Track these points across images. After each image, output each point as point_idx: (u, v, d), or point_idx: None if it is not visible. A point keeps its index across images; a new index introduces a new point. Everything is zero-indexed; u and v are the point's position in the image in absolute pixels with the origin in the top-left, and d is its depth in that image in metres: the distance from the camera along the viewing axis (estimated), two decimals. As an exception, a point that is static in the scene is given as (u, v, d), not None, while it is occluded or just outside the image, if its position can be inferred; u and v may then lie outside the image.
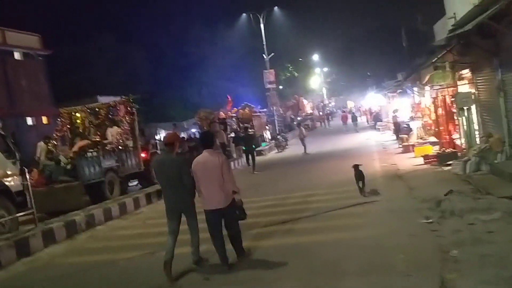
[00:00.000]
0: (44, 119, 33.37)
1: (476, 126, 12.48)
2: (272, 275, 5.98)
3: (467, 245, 5.80)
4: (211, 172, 6.32)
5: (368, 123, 39.86)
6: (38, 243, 9.29)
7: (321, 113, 56.21)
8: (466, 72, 13.00)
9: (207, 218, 6.47)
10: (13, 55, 32.90)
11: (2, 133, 11.71)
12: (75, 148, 14.30)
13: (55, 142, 15.45)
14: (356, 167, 10.71)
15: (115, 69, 43.19)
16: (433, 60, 13.16)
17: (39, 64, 34.92)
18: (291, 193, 11.99)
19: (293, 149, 26.89)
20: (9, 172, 10.68)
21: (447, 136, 15.08)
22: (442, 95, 15.08)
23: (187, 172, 6.44)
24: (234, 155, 23.31)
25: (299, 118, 42.35)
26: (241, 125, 27.33)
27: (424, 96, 18.71)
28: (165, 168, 6.50)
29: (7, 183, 10.33)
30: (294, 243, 7.31)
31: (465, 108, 12.35)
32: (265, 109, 37.04)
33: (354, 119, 37.74)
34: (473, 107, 12.34)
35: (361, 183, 10.51)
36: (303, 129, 25.95)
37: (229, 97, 32.51)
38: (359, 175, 10.61)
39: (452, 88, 13.95)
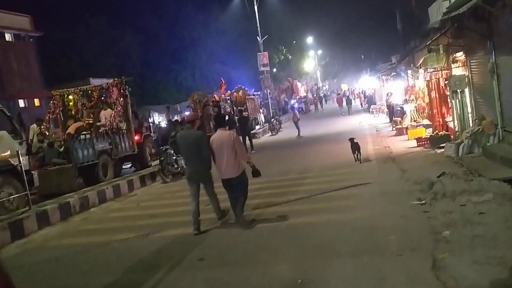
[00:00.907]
0: (36, 102, 33.17)
1: (469, 109, 12.52)
2: (265, 256, 6.03)
3: (458, 226, 5.86)
4: (225, 147, 7.56)
5: (361, 107, 39.87)
6: (32, 225, 9.32)
7: (314, 95, 56.08)
8: (460, 55, 13.00)
9: (223, 184, 7.80)
10: (4, 36, 32.55)
11: (8, 114, 11.81)
12: (70, 130, 14.23)
13: (47, 125, 15.36)
14: (351, 139, 12.95)
15: (108, 52, 42.82)
16: (427, 43, 13.11)
17: (30, 46, 34.60)
18: (284, 176, 12.03)
19: (287, 132, 26.91)
20: (16, 152, 10.83)
21: (440, 119, 15.13)
22: (435, 78, 15.08)
23: (205, 145, 7.64)
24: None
25: (292, 101, 42.25)
26: (234, 108, 27.25)
27: (418, 79, 18.70)
28: (187, 142, 7.77)
29: (14, 163, 10.51)
30: (287, 224, 7.36)
31: (458, 91, 12.37)
32: (259, 92, 36.95)
33: (349, 102, 37.77)
34: (467, 90, 12.36)
35: (357, 152, 12.66)
36: (297, 112, 25.92)
37: (222, 80, 32.35)
38: (355, 146, 12.73)
39: (445, 71, 13.95)
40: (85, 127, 14.67)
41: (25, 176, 10.60)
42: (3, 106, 12.42)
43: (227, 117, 25.11)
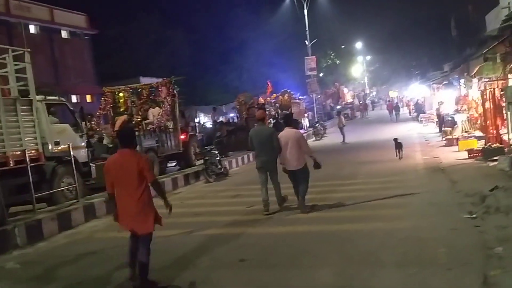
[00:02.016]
0: (88, 98, 34.23)
1: (525, 122, 11.97)
2: (308, 261, 5.94)
3: (512, 243, 5.59)
4: (290, 143, 8.66)
5: (410, 115, 38.97)
6: (79, 217, 9.60)
7: (361, 102, 55.25)
8: (518, 65, 12.45)
9: (288, 175, 8.86)
10: (60, 33, 33.80)
11: (72, 108, 12.35)
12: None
13: (98, 120, 15.80)
14: (395, 139, 14.82)
15: (158, 51, 43.69)
16: (484, 51, 12.64)
17: (85, 43, 35.80)
18: (329, 181, 11.86)
19: (332, 137, 26.61)
20: (77, 145, 11.49)
21: (494, 131, 14.53)
22: (491, 88, 14.51)
23: (276, 140, 8.82)
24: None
25: (338, 107, 41.77)
26: (279, 111, 27.20)
27: (471, 89, 18.08)
28: (261, 136, 8.98)
29: (75, 155, 10.95)
30: (332, 230, 7.24)
31: (515, 102, 11.84)
32: (304, 96, 36.73)
33: (397, 109, 37.97)
34: (524, 102, 11.81)
35: (399, 150, 14.45)
36: (342, 118, 25.60)
37: (269, 82, 32.38)
38: (398, 145, 14.59)
39: (502, 81, 13.39)
40: (129, 119, 14.99)
41: (82, 168, 11.20)
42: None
43: (272, 120, 25.36)
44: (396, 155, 14.37)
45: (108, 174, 5.49)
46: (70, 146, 10.43)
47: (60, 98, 12.70)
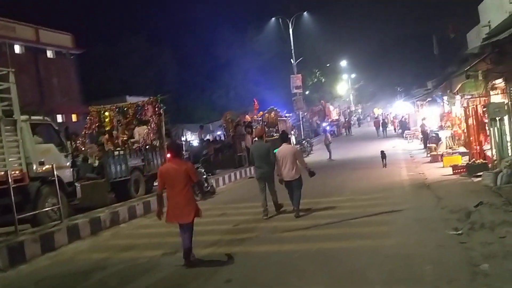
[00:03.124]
0: (74, 117, 33.99)
1: (508, 138, 12.12)
2: (294, 280, 5.89)
3: (498, 259, 5.60)
4: (287, 157, 9.82)
5: (395, 131, 39.34)
6: (63, 238, 9.40)
7: (346, 119, 55.62)
8: (499, 82, 12.66)
9: (285, 185, 9.97)
10: (45, 53, 33.66)
11: (56, 128, 12.21)
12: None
13: (83, 140, 15.67)
14: (382, 152, 17.55)
15: (144, 70, 43.71)
16: (466, 69, 12.84)
17: (70, 62, 35.69)
18: (315, 199, 11.84)
19: (318, 154, 26.69)
20: (62, 165, 11.31)
21: (478, 147, 14.70)
22: (473, 105, 14.73)
23: (272, 154, 10.13)
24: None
25: (324, 124, 42.01)
26: (266, 129, 27.24)
27: (454, 105, 18.33)
28: (259, 151, 10.33)
29: (60, 175, 10.81)
30: (318, 248, 7.20)
31: (497, 118, 12.01)
32: (291, 114, 36.89)
33: (384, 125, 38.94)
34: (506, 118, 11.98)
35: (384, 160, 17.19)
36: (328, 135, 25.72)
37: (255, 100, 32.49)
38: (383, 155, 17.38)
39: (484, 98, 13.61)
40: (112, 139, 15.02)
41: (67, 188, 11.08)
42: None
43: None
44: (383, 165, 17.04)
45: (162, 177, 7.20)
46: (54, 166, 10.31)
47: (45, 117, 12.59)
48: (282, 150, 10.02)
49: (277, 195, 10.40)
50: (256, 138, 11.46)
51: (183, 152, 7.70)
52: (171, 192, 7.15)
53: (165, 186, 7.16)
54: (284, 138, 10.77)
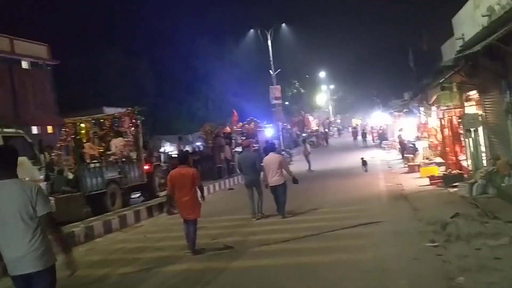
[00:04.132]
0: (49, 129, 33.39)
1: (483, 148, 12.31)
2: (272, 296, 5.82)
3: (473, 272, 5.63)
4: (273, 165, 10.98)
5: (373, 142, 39.72)
6: (35, 254, 9.15)
7: (326, 130, 55.97)
8: (473, 94, 12.88)
9: (270, 190, 11.08)
10: (20, 64, 33.07)
11: (30, 141, 11.91)
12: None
13: (59, 152, 15.38)
14: (362, 159, 19.76)
15: (122, 81, 43.30)
16: (440, 81, 13.03)
17: (46, 73, 35.08)
18: (293, 211, 11.83)
19: (298, 165, 26.66)
20: (35, 178, 11.15)
21: (454, 158, 14.91)
22: (449, 116, 14.95)
23: (259, 162, 11.36)
24: (238, 170, 23.07)
25: (304, 135, 42.14)
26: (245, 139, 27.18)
27: (430, 116, 18.58)
28: (247, 160, 11.61)
29: None
30: (295, 263, 7.15)
31: (472, 129, 12.20)
32: (271, 125, 36.92)
33: (364, 135, 40.74)
34: (480, 129, 12.18)
35: (365, 166, 19.30)
36: (308, 145, 25.77)
37: (234, 111, 32.45)
38: (364, 162, 19.47)
39: (459, 109, 13.82)
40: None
41: None
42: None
43: (238, 149, 25.36)
44: (364, 170, 19.14)
45: (172, 181, 8.41)
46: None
47: (18, 130, 12.34)
48: (269, 159, 11.19)
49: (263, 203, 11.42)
50: (242, 149, 13.31)
51: (189, 160, 9.11)
52: (179, 194, 8.34)
53: (175, 189, 8.40)
54: (272, 148, 12.24)
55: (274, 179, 10.92)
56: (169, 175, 8.79)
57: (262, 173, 11.49)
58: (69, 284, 7.25)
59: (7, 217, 3.93)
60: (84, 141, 16.07)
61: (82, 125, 16.42)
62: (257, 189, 11.38)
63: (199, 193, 8.63)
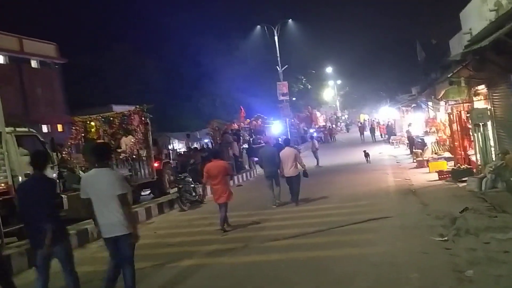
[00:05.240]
0: (59, 127, 33.68)
1: (491, 143, 12.31)
2: (283, 290, 5.92)
3: (482, 265, 5.69)
4: (289, 158, 12.29)
5: (382, 137, 39.60)
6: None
7: (334, 125, 55.86)
8: (481, 88, 12.88)
9: (286, 180, 12.40)
10: (30, 63, 33.37)
11: (42, 139, 12.08)
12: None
13: (69, 150, 15.54)
14: (364, 151, 21.89)
15: (130, 79, 43.46)
16: (449, 75, 13.04)
17: (55, 72, 35.37)
18: (302, 206, 11.92)
19: (306, 161, 26.52)
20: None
21: (462, 152, 14.89)
22: (457, 111, 14.93)
23: (278, 156, 12.38)
24: (247, 166, 23.21)
25: (311, 130, 42.12)
26: (253, 136, 27.30)
27: (438, 111, 18.56)
28: (267, 153, 12.91)
29: None
30: (305, 257, 7.24)
31: (480, 124, 12.19)
32: (277, 121, 36.96)
33: (372, 131, 40.93)
34: (489, 124, 12.18)
35: (368, 158, 21.35)
36: (315, 141, 25.81)
37: (242, 108, 32.55)
38: (366, 154, 21.53)
39: (467, 104, 13.82)
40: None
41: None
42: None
43: (245, 145, 25.52)
44: (367, 162, 21.14)
45: (207, 172, 10.21)
46: None
47: (30, 129, 12.48)
48: (285, 152, 12.46)
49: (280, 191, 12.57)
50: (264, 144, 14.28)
51: (222, 155, 11.21)
52: (213, 182, 10.19)
53: (209, 178, 10.30)
54: (287, 142, 13.92)
55: (290, 170, 12.18)
56: (205, 167, 10.47)
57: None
58: (87, 279, 7.46)
59: (102, 194, 5.60)
60: (94, 138, 16.22)
61: (92, 123, 16.55)
62: (275, 180, 12.49)
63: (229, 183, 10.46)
